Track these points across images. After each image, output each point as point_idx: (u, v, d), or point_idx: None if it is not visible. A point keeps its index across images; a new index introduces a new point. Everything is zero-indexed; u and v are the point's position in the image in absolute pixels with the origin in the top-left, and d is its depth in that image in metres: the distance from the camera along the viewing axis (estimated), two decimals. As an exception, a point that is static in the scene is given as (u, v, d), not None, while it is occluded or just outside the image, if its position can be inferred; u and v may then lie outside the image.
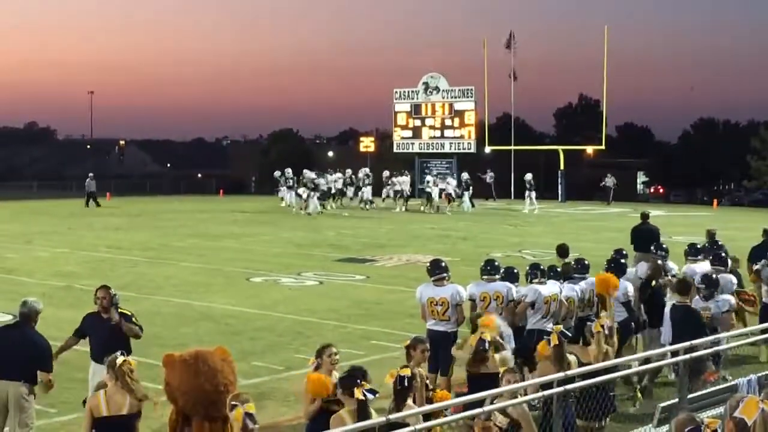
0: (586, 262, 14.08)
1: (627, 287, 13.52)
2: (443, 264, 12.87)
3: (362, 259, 27.50)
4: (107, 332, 10.77)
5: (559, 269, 13.91)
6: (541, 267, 13.34)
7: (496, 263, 13.30)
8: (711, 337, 11.43)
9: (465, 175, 47.78)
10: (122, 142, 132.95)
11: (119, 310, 11.06)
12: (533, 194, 45.78)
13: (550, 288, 12.82)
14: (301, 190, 43.33)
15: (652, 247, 16.56)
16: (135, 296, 20.72)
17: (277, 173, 48.71)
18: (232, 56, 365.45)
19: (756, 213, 46.56)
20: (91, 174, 49.24)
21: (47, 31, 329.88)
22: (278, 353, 15.21)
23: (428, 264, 13.12)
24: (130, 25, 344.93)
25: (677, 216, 43.83)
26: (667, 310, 12.65)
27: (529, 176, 46.21)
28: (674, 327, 12.22)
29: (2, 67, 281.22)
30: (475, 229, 35.90)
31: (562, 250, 16.12)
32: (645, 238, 20.90)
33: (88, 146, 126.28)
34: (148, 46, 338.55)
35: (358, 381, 7.59)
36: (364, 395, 7.45)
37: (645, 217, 22.92)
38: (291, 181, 46.20)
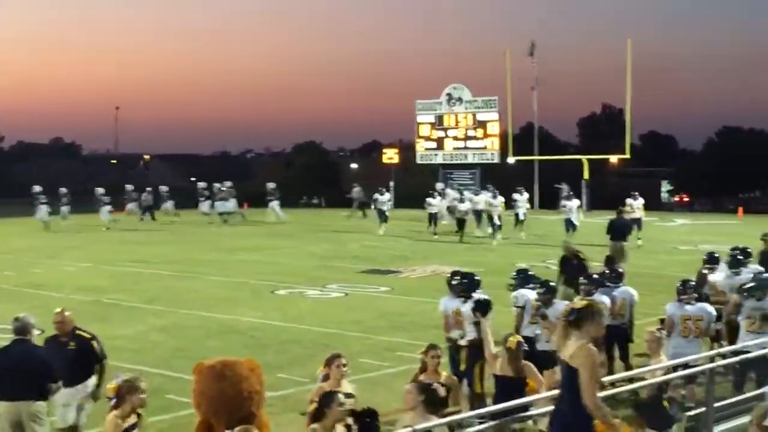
0: (621, 270, 14.43)
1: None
2: (477, 277, 13.18)
3: (386, 270, 27.52)
4: (67, 355, 10.80)
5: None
6: (529, 272, 14.13)
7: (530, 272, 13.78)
8: (735, 346, 11.45)
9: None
10: (147, 157, 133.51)
11: (77, 332, 11.09)
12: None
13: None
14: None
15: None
16: (161, 310, 20.87)
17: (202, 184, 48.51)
18: (256, 69, 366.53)
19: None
20: (149, 188, 49.34)
21: (72, 47, 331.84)
22: (304, 365, 15.22)
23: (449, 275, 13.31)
24: (156, 41, 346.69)
25: (702, 225, 43.65)
26: None
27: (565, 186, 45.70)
28: None
29: (28, 82, 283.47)
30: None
31: (609, 261, 16.73)
32: (619, 229, 26.63)
33: (113, 161, 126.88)
34: (174, 62, 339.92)
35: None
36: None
37: (620, 212, 27.93)
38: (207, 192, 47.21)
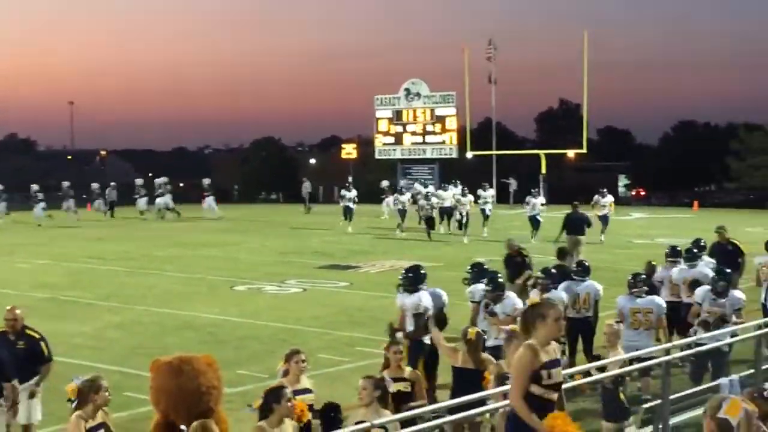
0: (587, 264, 14.53)
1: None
2: (422, 271, 13.14)
3: (345, 265, 27.51)
4: (16, 354, 10.69)
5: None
6: (484, 266, 14.33)
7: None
8: (691, 338, 11.58)
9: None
10: (103, 152, 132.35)
11: (27, 331, 11.00)
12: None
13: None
14: None
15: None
16: (118, 306, 20.72)
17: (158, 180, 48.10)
18: (213, 65, 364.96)
19: (736, 214, 46.75)
20: (113, 183, 49.03)
21: (26, 42, 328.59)
22: (263, 361, 15.18)
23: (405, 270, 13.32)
24: (110, 35, 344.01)
25: (658, 218, 44.03)
26: None
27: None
28: None
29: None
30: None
31: (562, 253, 17.19)
32: (575, 224, 27.20)
33: (69, 157, 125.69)
34: (128, 56, 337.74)
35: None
36: None
37: (575, 206, 27.94)
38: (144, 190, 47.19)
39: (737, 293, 13.45)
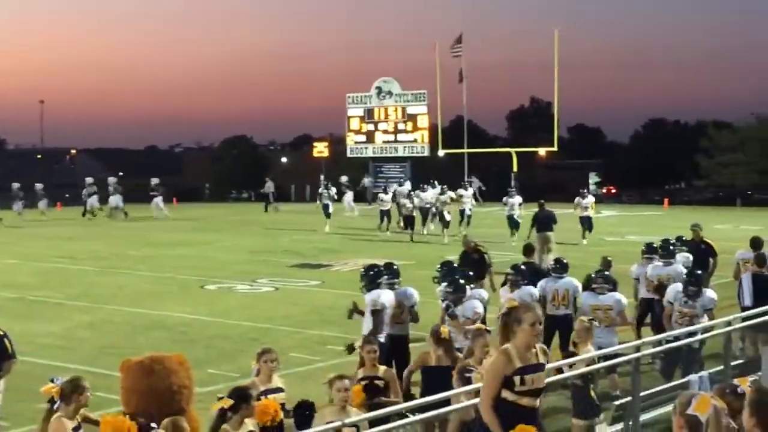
0: (565, 261, 14.60)
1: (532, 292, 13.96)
2: (396, 268, 13.14)
3: (317, 264, 27.48)
4: None
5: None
6: (454, 265, 14.56)
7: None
8: (665, 334, 11.65)
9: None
10: (73, 151, 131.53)
11: None
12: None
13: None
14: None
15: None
16: (88, 306, 20.60)
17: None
18: (184, 63, 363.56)
19: (705, 211, 47.06)
20: (90, 182, 48.34)
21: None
22: (234, 361, 15.14)
23: (381, 268, 13.34)
24: (81, 33, 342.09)
25: (629, 216, 44.25)
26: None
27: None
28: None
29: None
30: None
31: (528, 250, 17.08)
32: (544, 221, 27.40)
33: (39, 156, 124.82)
34: (99, 55, 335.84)
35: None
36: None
37: (542, 205, 28.25)
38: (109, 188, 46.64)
39: (710, 294, 13.38)
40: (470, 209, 36.56)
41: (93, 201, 46.33)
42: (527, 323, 7.06)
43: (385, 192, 37.47)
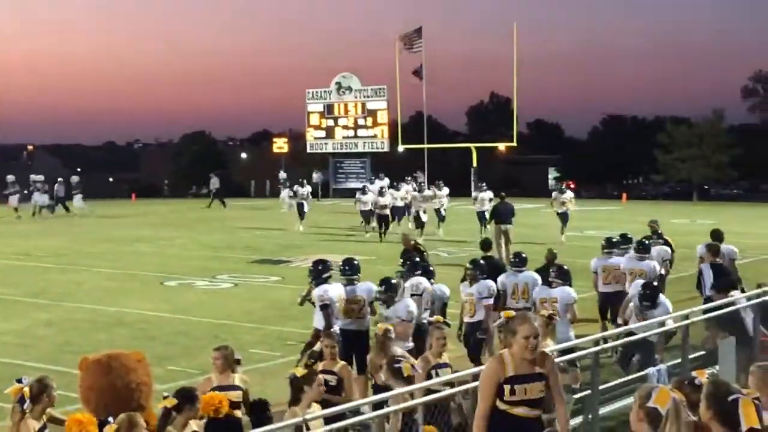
0: (524, 255, 14.79)
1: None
2: (356, 263, 13.17)
3: (277, 260, 27.43)
4: None
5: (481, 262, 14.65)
6: (416, 259, 14.52)
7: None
8: (622, 328, 11.76)
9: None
10: (30, 147, 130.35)
11: None
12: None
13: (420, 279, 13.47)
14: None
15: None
16: (47, 303, 20.43)
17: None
18: (142, 58, 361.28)
19: (663, 206, 47.51)
20: (60, 179, 47.78)
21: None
22: (195, 357, 15.10)
23: (341, 264, 13.36)
24: (35, 27, 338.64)
25: (588, 211, 44.52)
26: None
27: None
28: None
29: None
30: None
31: (486, 245, 17.14)
32: (503, 214, 28.06)
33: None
34: (56, 48, 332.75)
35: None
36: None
37: (502, 198, 28.81)
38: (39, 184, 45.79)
39: (664, 305, 12.97)
40: (444, 209, 34.99)
41: (37, 198, 45.38)
42: (521, 336, 6.92)
43: (364, 192, 35.93)
